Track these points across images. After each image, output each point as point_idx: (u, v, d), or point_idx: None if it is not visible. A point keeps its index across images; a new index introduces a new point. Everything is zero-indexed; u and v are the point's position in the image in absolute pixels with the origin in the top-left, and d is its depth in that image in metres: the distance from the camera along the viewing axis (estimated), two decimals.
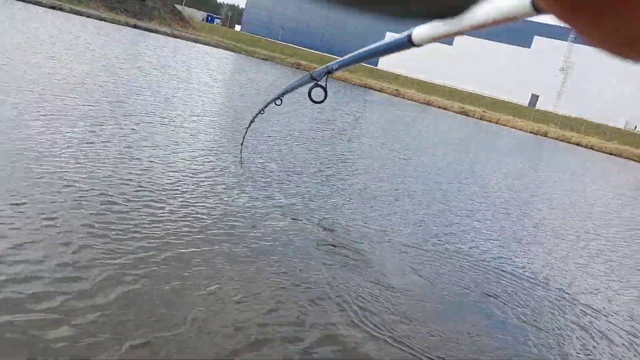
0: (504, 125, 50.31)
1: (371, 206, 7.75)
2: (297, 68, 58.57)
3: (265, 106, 5.23)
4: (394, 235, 6.69)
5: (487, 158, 20.62)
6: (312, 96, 2.50)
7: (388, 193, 8.95)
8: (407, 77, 66.36)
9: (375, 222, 6.98)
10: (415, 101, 53.32)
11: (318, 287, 4.54)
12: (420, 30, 1.33)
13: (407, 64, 76.85)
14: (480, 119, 51.07)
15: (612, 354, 4.96)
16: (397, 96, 53.69)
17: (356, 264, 5.36)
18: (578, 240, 9.37)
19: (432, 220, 7.95)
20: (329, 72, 2.48)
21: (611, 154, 46.15)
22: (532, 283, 6.36)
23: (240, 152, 8.23)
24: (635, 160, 44.74)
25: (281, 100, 4.47)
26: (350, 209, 7.28)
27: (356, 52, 2.12)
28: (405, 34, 1.44)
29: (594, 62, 65.90)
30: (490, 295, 5.54)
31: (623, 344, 5.28)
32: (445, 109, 51.92)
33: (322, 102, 2.56)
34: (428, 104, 53.80)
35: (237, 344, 3.40)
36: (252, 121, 6.24)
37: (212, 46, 50.78)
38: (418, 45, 1.39)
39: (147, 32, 42.39)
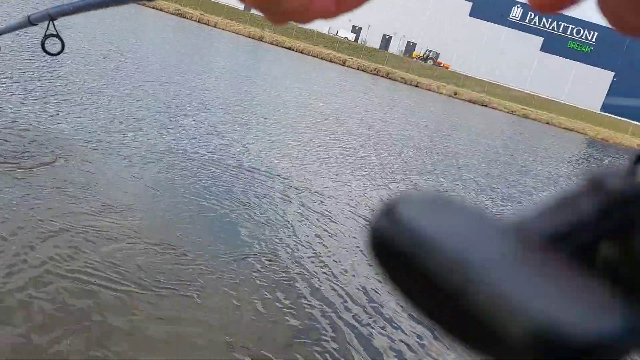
0: (222, 29, 49.91)
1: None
2: None
3: None
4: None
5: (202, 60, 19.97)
6: (47, 48, 2.21)
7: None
8: None
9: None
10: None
11: None
12: None
13: None
14: (198, 21, 49.59)
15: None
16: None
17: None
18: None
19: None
20: (52, 19, 2.01)
21: (317, 57, 50.13)
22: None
23: None
24: (335, 62, 49.74)
25: None
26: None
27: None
28: None
29: None
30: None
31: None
32: (160, 9, 48.61)
33: (59, 53, 2.30)
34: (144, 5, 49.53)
35: None
36: None
37: None
38: None
39: None
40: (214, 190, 6.02)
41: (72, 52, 11.87)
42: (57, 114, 7.12)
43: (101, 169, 5.65)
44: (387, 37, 70.77)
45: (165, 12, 48.71)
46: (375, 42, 69.39)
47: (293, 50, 49.72)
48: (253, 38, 49.86)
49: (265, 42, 50.06)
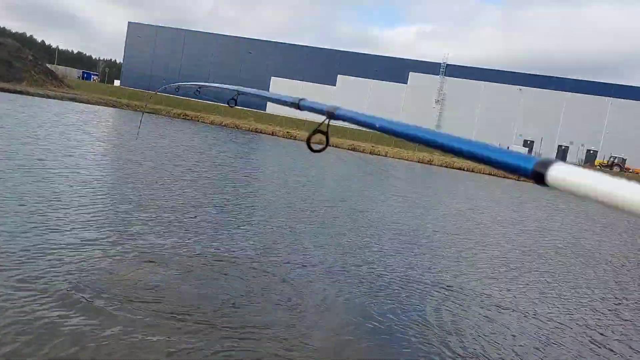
0: (393, 157, 52.52)
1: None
2: (185, 118, 57.50)
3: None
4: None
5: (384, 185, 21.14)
6: (312, 145, 1.99)
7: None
8: (295, 118, 67.76)
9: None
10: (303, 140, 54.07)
11: None
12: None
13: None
14: (370, 153, 52.97)
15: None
16: (288, 138, 54.31)
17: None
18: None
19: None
20: (330, 116, 1.93)
21: (489, 174, 49.48)
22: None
23: None
24: (508, 178, 48.37)
25: (235, 101, 3.66)
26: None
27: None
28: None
29: (460, 93, 71.68)
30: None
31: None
32: (336, 146, 53.20)
33: (321, 150, 2.04)
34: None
35: None
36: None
37: (92, 104, 48.43)
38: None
39: (18, 95, 39.50)
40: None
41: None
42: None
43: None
44: (562, 147, 67.68)
45: (339, 148, 53.11)
46: (551, 154, 66.65)
47: (464, 169, 49.97)
48: (422, 162, 51.44)
49: (435, 164, 51.22)
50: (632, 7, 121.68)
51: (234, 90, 3.35)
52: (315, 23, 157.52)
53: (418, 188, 25.35)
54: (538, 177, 1.00)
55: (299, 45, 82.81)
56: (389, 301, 6.64)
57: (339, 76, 78.64)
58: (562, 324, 7.00)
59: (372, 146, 55.11)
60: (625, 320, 7.78)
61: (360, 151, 53.03)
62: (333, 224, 11.04)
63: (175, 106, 61.80)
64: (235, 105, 3.58)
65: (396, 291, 7.07)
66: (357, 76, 77.39)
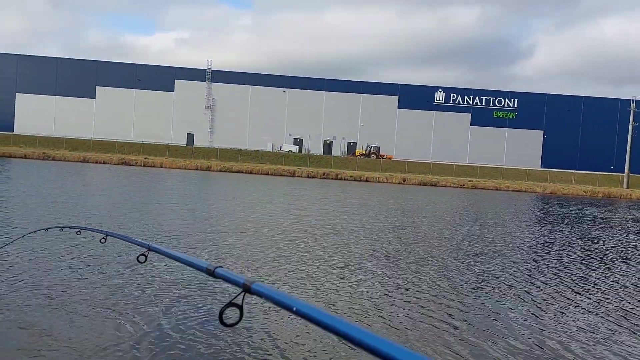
0: (169, 167, 50.67)
1: None
2: None
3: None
4: None
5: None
6: (224, 318, 1.82)
7: None
8: (53, 137, 60.70)
9: None
10: (69, 160, 48.95)
11: None
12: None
13: (49, 124, 70.28)
14: (144, 165, 50.24)
15: None
16: (44, 159, 48.30)
17: None
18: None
19: None
20: (246, 290, 1.80)
21: (267, 174, 51.23)
22: None
23: None
24: (285, 175, 50.89)
25: (145, 257, 3.01)
26: None
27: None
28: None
29: (229, 98, 72.81)
30: None
31: None
32: (104, 162, 49.17)
33: (235, 325, 1.88)
34: (84, 160, 50.10)
35: None
36: None
37: None
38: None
39: None
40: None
41: None
42: None
43: None
44: (328, 142, 73.67)
45: (109, 163, 49.23)
46: (318, 149, 72.00)
47: (242, 172, 50.77)
48: (201, 169, 50.77)
49: (214, 170, 51.00)
50: (361, 14, 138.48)
51: (145, 245, 2.96)
52: (59, 31, 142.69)
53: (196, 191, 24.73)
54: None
55: (46, 57, 74.36)
56: None
57: (97, 88, 72.80)
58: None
59: (145, 158, 52.35)
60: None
61: (132, 165, 49.87)
62: None
63: None
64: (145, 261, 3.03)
65: None
66: (118, 87, 72.64)
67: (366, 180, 51.30)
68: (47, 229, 6.16)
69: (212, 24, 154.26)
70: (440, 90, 74.22)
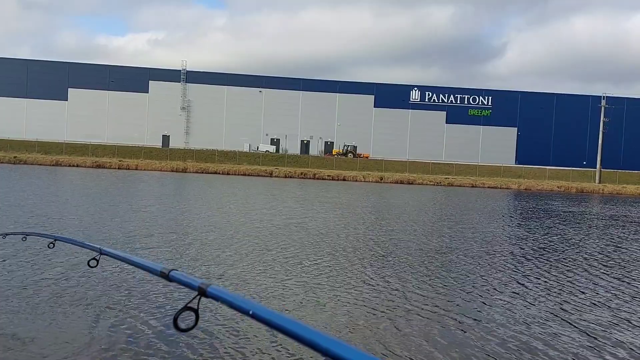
0: (144, 169, 50.03)
1: None
2: None
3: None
4: None
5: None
6: (179, 322, 1.77)
7: None
8: (24, 140, 59.41)
9: None
10: (41, 164, 47.99)
11: None
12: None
13: (20, 127, 68.76)
14: (118, 168, 49.52)
15: None
16: (15, 163, 47.27)
17: None
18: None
19: None
20: (202, 293, 1.75)
21: (244, 174, 50.86)
22: None
23: None
24: (262, 176, 50.65)
25: (97, 262, 2.92)
26: None
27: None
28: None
29: (205, 99, 72.17)
30: None
31: None
32: (77, 165, 48.32)
33: (190, 329, 1.83)
34: (57, 164, 49.18)
35: None
36: None
37: None
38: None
39: None
40: None
41: None
42: None
43: None
44: (305, 141, 73.57)
45: (83, 167, 48.42)
46: (295, 149, 71.85)
47: (219, 173, 50.39)
48: (177, 171, 50.24)
49: (190, 171, 50.53)
50: (337, 13, 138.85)
51: (96, 248, 2.91)
52: (28, 33, 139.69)
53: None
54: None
55: (16, 58, 72.79)
56: None
57: (70, 90, 71.45)
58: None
59: (120, 160, 51.62)
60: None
61: (107, 167, 49.12)
62: None
63: None
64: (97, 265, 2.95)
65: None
66: (91, 88, 71.41)
67: (344, 179, 51.41)
68: None
69: (187, 25, 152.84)
70: (415, 89, 74.74)
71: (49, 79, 71.06)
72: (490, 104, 74.38)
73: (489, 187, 51.88)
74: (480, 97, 74.57)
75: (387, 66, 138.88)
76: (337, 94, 74.20)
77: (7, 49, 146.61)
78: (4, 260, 9.02)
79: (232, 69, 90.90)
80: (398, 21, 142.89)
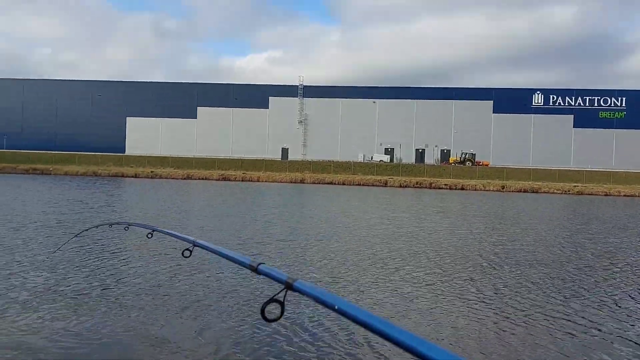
0: (265, 181, 52.59)
1: None
2: (34, 173, 52.69)
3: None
4: None
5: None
6: (266, 313, 1.87)
7: None
8: (159, 156, 65.22)
9: None
10: (174, 178, 52.39)
11: None
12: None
13: (156, 144, 75.67)
14: (242, 180, 52.56)
15: None
16: (152, 178, 52.05)
17: None
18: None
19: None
20: (288, 287, 1.85)
21: (359, 184, 51.50)
22: None
23: None
24: (377, 185, 50.88)
25: (190, 252, 3.10)
26: None
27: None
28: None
29: (321, 112, 74.27)
30: None
31: None
32: (206, 178, 52.05)
33: (276, 320, 1.93)
34: (189, 177, 53.35)
35: None
36: None
37: None
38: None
39: None
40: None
41: None
42: None
43: None
44: (420, 150, 72.75)
45: (210, 179, 52.02)
46: (410, 158, 71.30)
47: (335, 183, 51.53)
48: (295, 182, 52.20)
49: (307, 182, 52.23)
50: (451, 20, 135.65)
51: (190, 240, 3.11)
52: (162, 58, 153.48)
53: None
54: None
55: (152, 82, 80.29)
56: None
57: (199, 108, 77.38)
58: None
59: (243, 173, 54.77)
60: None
61: (232, 180, 52.36)
62: None
63: (23, 161, 56.64)
64: (191, 255, 3.09)
65: None
66: (217, 106, 76.75)
67: (462, 189, 50.02)
68: (100, 226, 6.95)
69: (303, 42, 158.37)
70: (538, 92, 70.79)
71: (180, 99, 77.52)
72: (624, 105, 68.26)
73: (625, 196, 47.52)
74: (613, 98, 68.70)
75: (504, 71, 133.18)
76: (453, 101, 72.56)
77: (145, 73, 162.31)
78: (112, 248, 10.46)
79: (346, 81, 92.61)
80: (515, 24, 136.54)
